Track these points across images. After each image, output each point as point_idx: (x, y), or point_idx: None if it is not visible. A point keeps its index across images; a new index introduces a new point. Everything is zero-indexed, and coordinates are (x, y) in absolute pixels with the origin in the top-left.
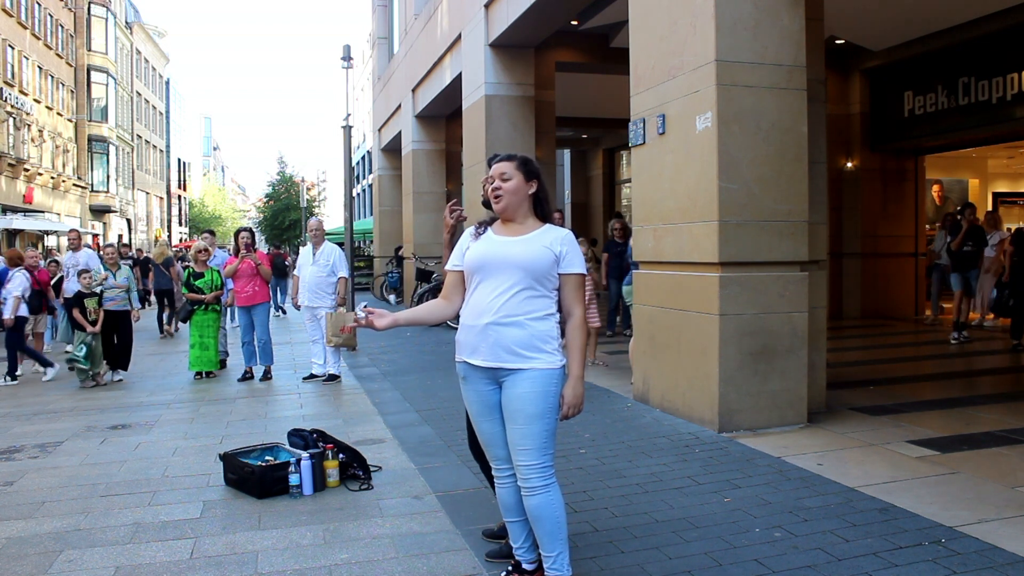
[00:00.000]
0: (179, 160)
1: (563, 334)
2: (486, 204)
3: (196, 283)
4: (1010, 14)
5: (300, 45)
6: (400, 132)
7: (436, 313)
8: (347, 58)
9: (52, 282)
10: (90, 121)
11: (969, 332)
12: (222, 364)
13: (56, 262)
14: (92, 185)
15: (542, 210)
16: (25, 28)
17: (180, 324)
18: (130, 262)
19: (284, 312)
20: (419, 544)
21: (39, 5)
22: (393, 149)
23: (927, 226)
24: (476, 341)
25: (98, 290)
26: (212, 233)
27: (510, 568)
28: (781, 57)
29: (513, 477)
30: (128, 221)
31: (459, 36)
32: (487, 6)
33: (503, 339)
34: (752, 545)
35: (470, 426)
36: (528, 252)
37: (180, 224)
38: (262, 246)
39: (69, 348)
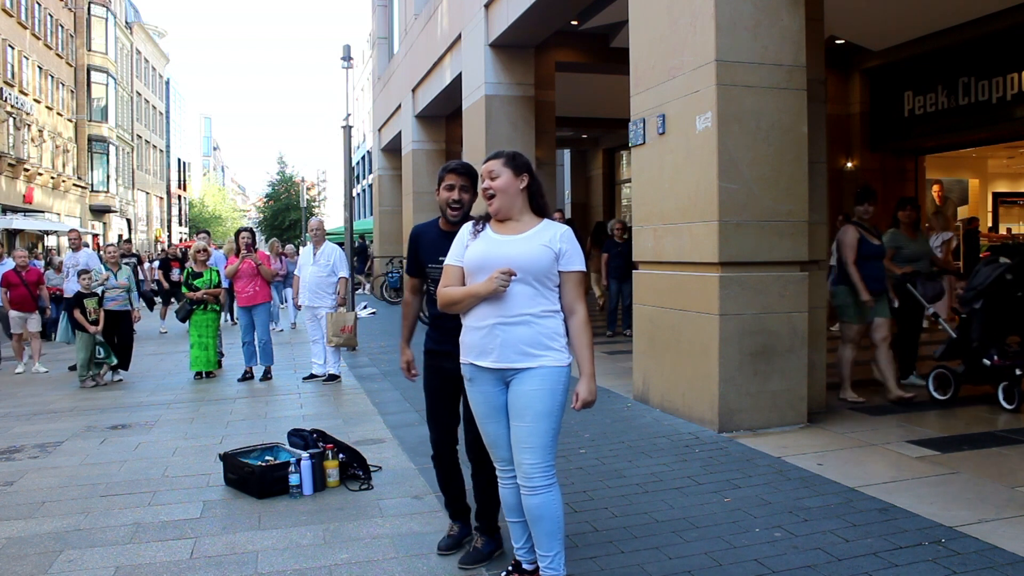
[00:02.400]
0: (179, 160)
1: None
2: (443, 213)
3: (195, 283)
4: (1010, 14)
5: (300, 45)
6: (400, 132)
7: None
8: (347, 58)
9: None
10: (90, 121)
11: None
12: (217, 364)
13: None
14: (92, 185)
15: (537, 204)
16: (25, 28)
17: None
18: (134, 260)
19: (294, 326)
20: (419, 544)
21: (39, 5)
22: (393, 149)
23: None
24: (484, 343)
25: (99, 290)
26: (208, 234)
27: (510, 568)
28: (781, 57)
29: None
30: (128, 221)
31: (459, 36)
32: (487, 6)
33: (511, 339)
34: (752, 545)
35: (471, 428)
36: (529, 252)
37: (180, 224)
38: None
39: (76, 363)
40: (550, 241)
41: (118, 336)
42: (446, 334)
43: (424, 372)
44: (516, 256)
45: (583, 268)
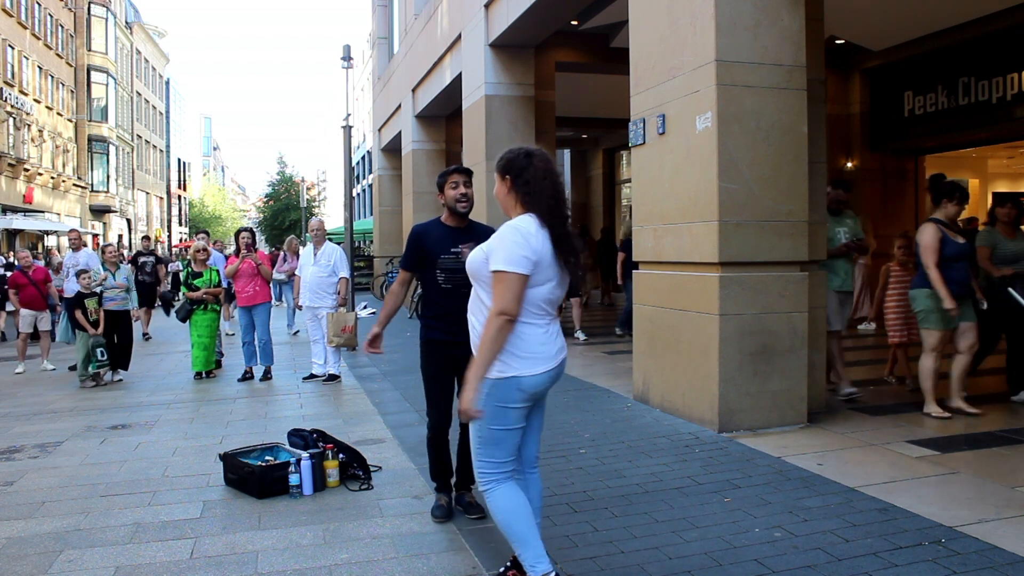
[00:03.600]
0: (179, 160)
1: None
2: (452, 210)
3: (195, 283)
4: (1010, 14)
5: (300, 45)
6: (400, 132)
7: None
8: (347, 58)
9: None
10: (90, 121)
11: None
12: (217, 364)
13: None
14: (92, 185)
15: (524, 199)
16: (25, 28)
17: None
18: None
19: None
20: (419, 544)
21: (39, 5)
22: (393, 149)
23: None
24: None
25: (98, 290)
26: (207, 234)
27: (508, 564)
28: (781, 57)
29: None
30: (128, 221)
31: (459, 36)
32: (487, 6)
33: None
34: (752, 545)
35: None
36: (472, 258)
37: (180, 224)
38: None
39: (79, 365)
40: (488, 244)
41: (118, 336)
42: (458, 323)
43: (427, 360)
44: (467, 263)
45: (499, 267)
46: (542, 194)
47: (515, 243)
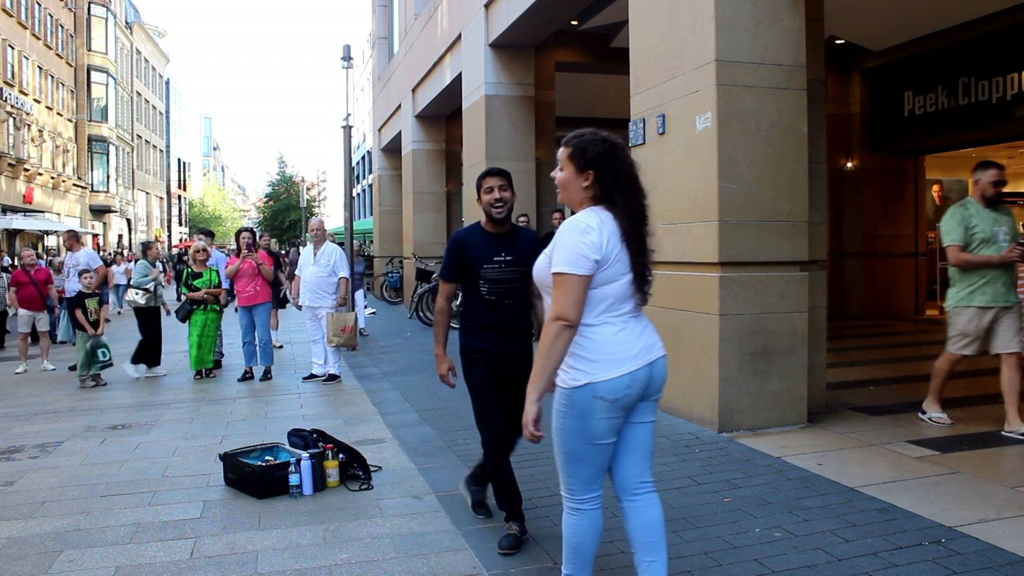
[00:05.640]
0: (179, 160)
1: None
2: (488, 215)
3: (195, 283)
4: (1010, 14)
5: (300, 45)
6: (400, 132)
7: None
8: (347, 58)
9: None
10: (90, 121)
11: None
12: (217, 364)
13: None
14: (92, 185)
15: (611, 196)
16: (25, 28)
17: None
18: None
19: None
20: (419, 544)
21: (39, 5)
22: (393, 149)
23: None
24: None
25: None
26: (208, 234)
27: None
28: (781, 57)
29: None
30: (128, 221)
31: (459, 36)
32: (487, 6)
33: None
34: (752, 545)
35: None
36: (538, 267)
37: (180, 224)
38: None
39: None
40: (551, 246)
41: (151, 332)
42: (502, 334)
43: (474, 368)
44: (534, 272)
45: (558, 268)
46: (635, 194)
47: (577, 242)
